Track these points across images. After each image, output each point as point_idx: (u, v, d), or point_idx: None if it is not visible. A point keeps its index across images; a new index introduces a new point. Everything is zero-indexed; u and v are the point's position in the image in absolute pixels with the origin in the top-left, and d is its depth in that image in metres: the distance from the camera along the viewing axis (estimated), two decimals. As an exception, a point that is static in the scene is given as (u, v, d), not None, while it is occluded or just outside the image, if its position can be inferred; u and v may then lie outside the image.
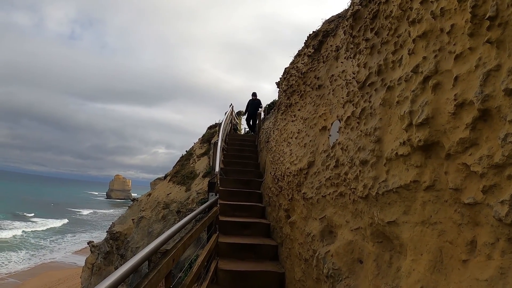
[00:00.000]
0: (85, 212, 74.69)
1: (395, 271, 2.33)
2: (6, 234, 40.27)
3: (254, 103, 13.81)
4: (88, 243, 20.81)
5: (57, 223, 53.50)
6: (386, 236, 2.41)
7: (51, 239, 42.51)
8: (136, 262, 1.98)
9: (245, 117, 14.80)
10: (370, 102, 2.72)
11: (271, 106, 13.22)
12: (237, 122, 15.08)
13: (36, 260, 32.74)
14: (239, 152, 10.87)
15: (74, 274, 28.47)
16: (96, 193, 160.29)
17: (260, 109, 13.47)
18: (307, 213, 3.96)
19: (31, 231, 44.53)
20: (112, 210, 77.30)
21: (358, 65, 2.99)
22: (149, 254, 2.21)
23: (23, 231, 43.51)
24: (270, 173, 6.35)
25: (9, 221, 50.57)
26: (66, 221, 57.09)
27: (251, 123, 13.99)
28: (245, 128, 15.48)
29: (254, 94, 13.91)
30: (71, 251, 38.13)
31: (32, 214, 59.26)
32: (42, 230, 46.02)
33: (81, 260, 32.72)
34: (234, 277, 5.12)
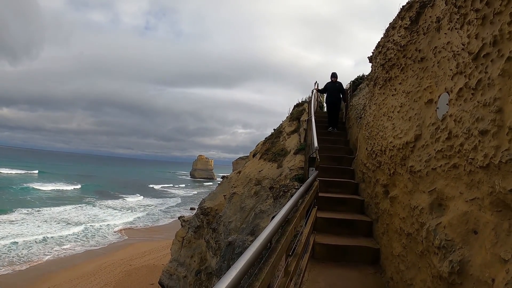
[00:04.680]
0: (178, 192, 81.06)
1: (515, 238, 2.36)
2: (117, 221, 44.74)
3: (335, 86, 11.24)
4: (179, 218, 22.34)
5: (150, 201, 59.24)
6: (506, 204, 2.43)
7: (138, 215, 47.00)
8: (275, 226, 2.23)
9: (325, 104, 12.88)
10: (486, 73, 2.69)
11: (356, 82, 12.42)
12: (321, 100, 14.94)
13: (121, 235, 36.47)
14: (327, 129, 10.94)
15: (158, 247, 31.24)
16: (181, 173, 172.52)
17: (342, 95, 11.26)
18: (412, 186, 4.00)
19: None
20: (201, 190, 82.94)
21: (468, 36, 2.95)
22: (282, 220, 2.48)
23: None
24: (366, 149, 6.37)
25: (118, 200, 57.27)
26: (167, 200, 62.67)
27: (331, 115, 11.07)
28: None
29: (334, 75, 11.24)
30: (160, 225, 42.02)
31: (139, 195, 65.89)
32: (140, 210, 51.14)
33: (161, 236, 35.79)
34: (330, 251, 5.29)
